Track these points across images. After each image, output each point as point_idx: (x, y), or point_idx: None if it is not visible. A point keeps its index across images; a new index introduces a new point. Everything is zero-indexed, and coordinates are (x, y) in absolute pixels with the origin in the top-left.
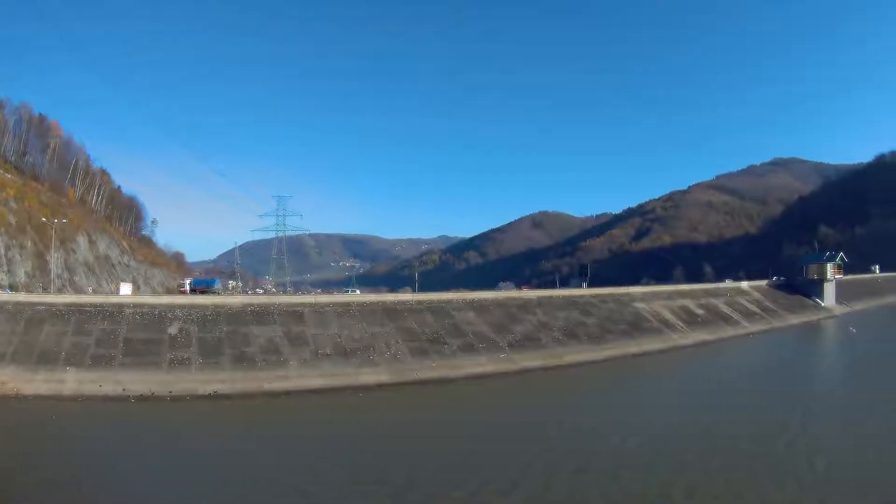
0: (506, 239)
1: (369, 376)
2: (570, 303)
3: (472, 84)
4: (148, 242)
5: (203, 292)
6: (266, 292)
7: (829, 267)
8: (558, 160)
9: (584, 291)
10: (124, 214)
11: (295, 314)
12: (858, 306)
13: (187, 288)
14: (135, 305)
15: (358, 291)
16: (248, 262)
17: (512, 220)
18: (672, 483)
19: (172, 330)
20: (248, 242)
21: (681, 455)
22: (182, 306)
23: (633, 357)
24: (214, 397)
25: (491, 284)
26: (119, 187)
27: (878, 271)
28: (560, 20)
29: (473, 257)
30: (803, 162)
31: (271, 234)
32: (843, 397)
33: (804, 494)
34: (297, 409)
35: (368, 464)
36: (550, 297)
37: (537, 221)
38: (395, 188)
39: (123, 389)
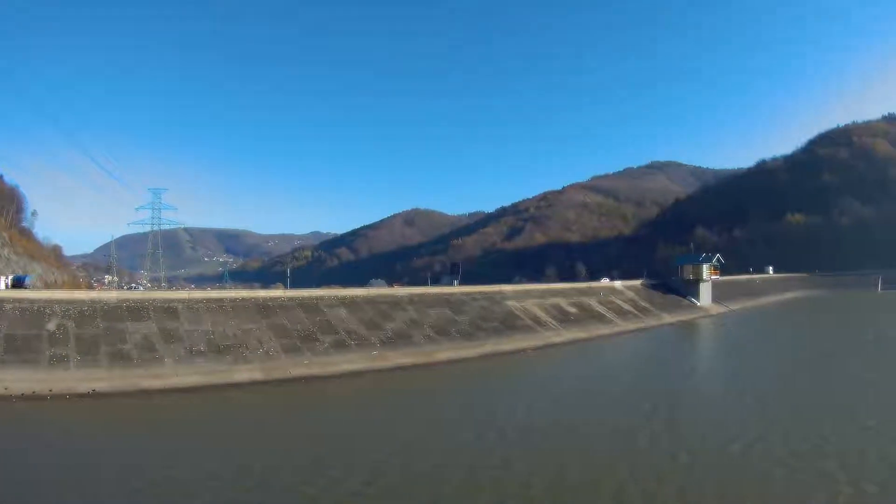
0: (378, 236)
1: (243, 374)
2: (442, 300)
3: (344, 82)
4: (28, 235)
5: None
6: (142, 288)
7: (706, 268)
8: (432, 158)
9: (456, 289)
10: (6, 205)
11: (170, 310)
12: (735, 306)
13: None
14: (14, 300)
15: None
16: (125, 256)
17: (385, 217)
18: (531, 476)
19: (51, 326)
20: (124, 236)
21: (541, 449)
22: (60, 301)
23: (505, 354)
24: (93, 396)
25: (363, 282)
26: (1, 176)
27: (771, 272)
28: (435, 19)
29: (346, 254)
30: (680, 166)
31: (147, 228)
32: (711, 394)
33: (662, 487)
34: (168, 408)
35: (220, 465)
36: (422, 295)
37: (410, 219)
38: (268, 183)
39: (6, 388)
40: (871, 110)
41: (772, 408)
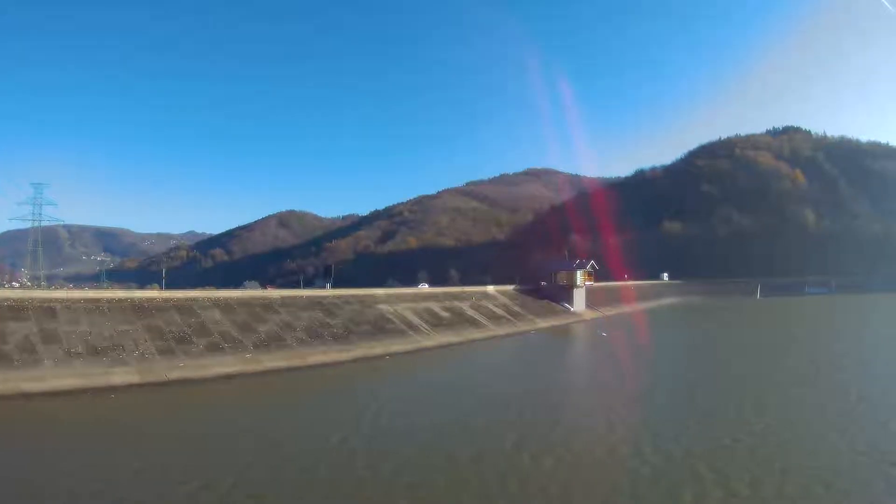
0: (252, 237)
1: (120, 376)
2: (315, 303)
3: (219, 78)
4: None
5: None
6: (21, 286)
7: (579, 274)
8: (306, 159)
9: (328, 292)
10: None
11: (49, 310)
12: (609, 312)
13: None
14: None
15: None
16: (7, 253)
17: (259, 218)
18: (393, 481)
19: None
20: (6, 232)
21: (407, 453)
22: None
23: (377, 358)
24: None
25: (237, 283)
26: None
27: (666, 278)
28: (301, 23)
29: (220, 255)
30: (557, 173)
31: (28, 224)
32: (580, 397)
33: (526, 489)
34: (42, 413)
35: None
36: (294, 298)
37: (284, 220)
38: (146, 180)
39: None
40: (754, 124)
41: (641, 410)
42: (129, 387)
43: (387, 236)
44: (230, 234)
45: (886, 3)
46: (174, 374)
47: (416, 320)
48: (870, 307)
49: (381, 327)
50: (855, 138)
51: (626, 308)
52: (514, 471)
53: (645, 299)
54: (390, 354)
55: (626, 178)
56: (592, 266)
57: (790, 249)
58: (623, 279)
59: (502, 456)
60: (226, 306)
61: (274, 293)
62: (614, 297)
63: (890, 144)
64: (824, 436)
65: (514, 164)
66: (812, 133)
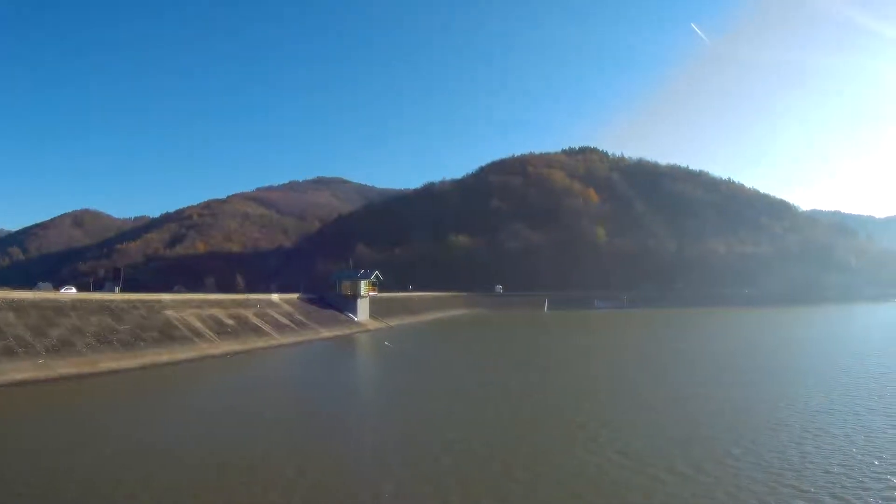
0: (48, 236)
1: None
2: (104, 308)
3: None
4: None
5: None
6: None
7: (364, 284)
8: (102, 157)
9: (117, 296)
10: None
11: None
12: (394, 322)
13: None
14: None
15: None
16: None
17: (56, 216)
18: (142, 490)
19: None
20: None
21: (162, 467)
22: None
23: (164, 366)
24: None
25: (32, 283)
26: None
27: (500, 290)
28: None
29: (17, 253)
30: (346, 182)
31: None
32: (359, 409)
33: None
34: None
35: None
36: (84, 301)
37: (79, 220)
38: None
39: None
40: (550, 143)
41: (419, 416)
42: None
43: (176, 240)
44: (27, 232)
45: (697, 30)
46: None
47: (201, 327)
48: (645, 321)
49: (169, 334)
50: (653, 161)
51: (411, 319)
52: (273, 483)
53: (430, 310)
54: (176, 362)
55: (416, 190)
56: (377, 277)
57: (581, 265)
58: (408, 290)
59: (264, 469)
60: (19, 308)
61: (65, 296)
62: (399, 308)
63: (689, 168)
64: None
65: (304, 172)
66: (609, 154)
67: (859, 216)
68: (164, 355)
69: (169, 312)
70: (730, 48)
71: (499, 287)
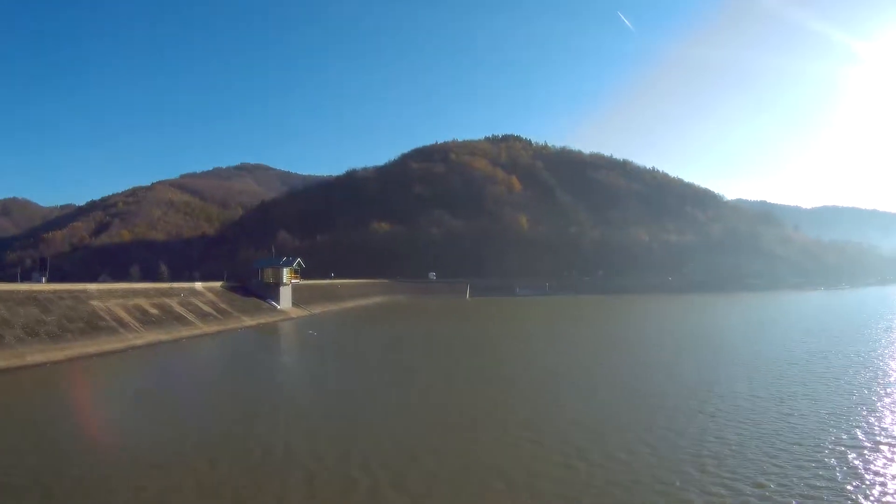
0: None
1: None
2: (31, 298)
3: None
4: None
5: None
6: None
7: (286, 271)
8: (27, 144)
9: (45, 287)
10: None
11: None
12: (317, 309)
13: None
14: None
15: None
16: None
17: None
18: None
19: None
20: None
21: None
22: None
23: (91, 357)
24: None
25: None
26: None
27: (434, 277)
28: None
29: None
30: (268, 169)
31: None
32: (285, 397)
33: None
34: None
35: None
36: (11, 292)
37: (6, 209)
38: None
39: None
40: (475, 131)
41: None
42: None
43: (101, 228)
44: None
45: (624, 19)
46: None
47: (126, 318)
48: (560, 306)
49: (95, 325)
50: (577, 149)
51: (333, 307)
52: (189, 476)
53: (353, 298)
54: (103, 353)
55: (338, 177)
56: (300, 264)
57: (503, 253)
58: (330, 277)
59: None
60: None
61: None
62: (322, 295)
63: (612, 157)
64: None
65: (228, 158)
66: (532, 142)
67: (786, 206)
68: (90, 346)
69: (95, 303)
70: (660, 45)
71: (432, 274)
